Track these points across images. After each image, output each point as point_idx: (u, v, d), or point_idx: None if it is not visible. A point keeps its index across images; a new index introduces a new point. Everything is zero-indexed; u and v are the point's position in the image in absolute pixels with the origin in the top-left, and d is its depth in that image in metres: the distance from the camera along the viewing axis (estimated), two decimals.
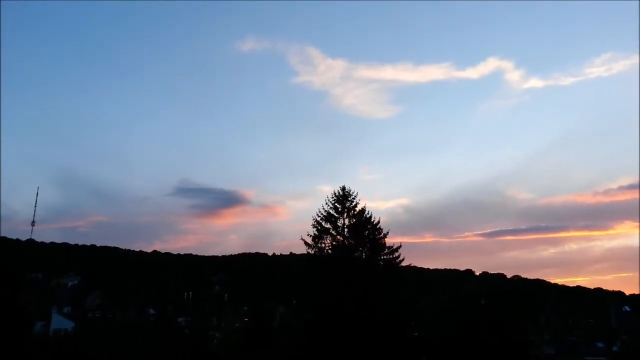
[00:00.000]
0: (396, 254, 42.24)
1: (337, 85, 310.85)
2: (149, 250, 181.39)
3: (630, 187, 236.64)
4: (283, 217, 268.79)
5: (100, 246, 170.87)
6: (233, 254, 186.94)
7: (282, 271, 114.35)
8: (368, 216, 42.55)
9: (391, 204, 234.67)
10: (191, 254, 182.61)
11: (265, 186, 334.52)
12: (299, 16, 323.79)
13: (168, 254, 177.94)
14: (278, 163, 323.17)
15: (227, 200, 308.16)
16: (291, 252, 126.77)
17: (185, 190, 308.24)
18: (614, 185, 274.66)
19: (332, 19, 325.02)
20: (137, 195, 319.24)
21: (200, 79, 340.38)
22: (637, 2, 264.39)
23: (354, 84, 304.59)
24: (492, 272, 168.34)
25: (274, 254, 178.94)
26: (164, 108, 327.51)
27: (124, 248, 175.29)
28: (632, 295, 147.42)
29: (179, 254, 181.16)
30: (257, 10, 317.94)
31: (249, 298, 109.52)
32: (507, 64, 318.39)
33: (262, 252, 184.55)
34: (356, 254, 42.42)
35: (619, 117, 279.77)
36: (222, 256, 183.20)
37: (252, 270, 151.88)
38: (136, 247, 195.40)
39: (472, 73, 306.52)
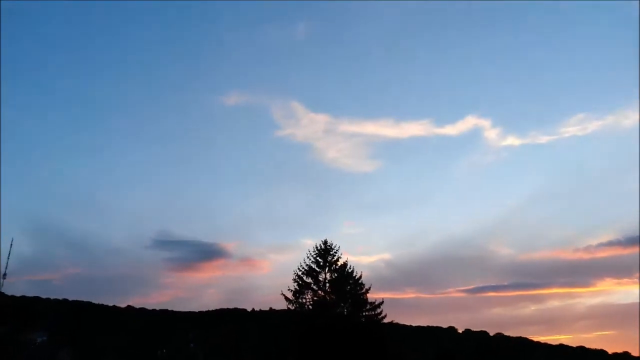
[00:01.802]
0: (378, 310, 41.42)
1: (320, 138, 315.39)
2: (123, 305, 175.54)
3: (610, 244, 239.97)
4: (264, 271, 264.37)
5: (72, 300, 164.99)
6: (210, 309, 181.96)
7: (261, 327, 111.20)
8: (350, 271, 41.96)
9: (373, 258, 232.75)
10: (167, 310, 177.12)
11: (247, 239, 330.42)
12: (282, 71, 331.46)
13: (143, 309, 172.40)
14: (261, 215, 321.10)
15: (207, 253, 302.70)
16: (271, 308, 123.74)
17: (164, 243, 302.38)
18: (594, 242, 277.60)
19: (315, 75, 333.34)
20: (114, 247, 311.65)
21: (181, 129, 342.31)
22: (612, 61, 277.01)
23: (336, 137, 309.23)
24: (474, 330, 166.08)
25: (252, 309, 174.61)
26: (144, 158, 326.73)
27: (97, 302, 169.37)
28: (615, 354, 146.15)
29: (154, 309, 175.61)
30: (240, 64, 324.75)
31: (225, 355, 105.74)
32: (484, 122, 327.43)
33: (241, 307, 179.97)
34: (338, 310, 41.48)
35: (594, 174, 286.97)
36: (199, 312, 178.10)
37: (229, 326, 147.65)
38: (110, 302, 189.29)
39: (451, 130, 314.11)
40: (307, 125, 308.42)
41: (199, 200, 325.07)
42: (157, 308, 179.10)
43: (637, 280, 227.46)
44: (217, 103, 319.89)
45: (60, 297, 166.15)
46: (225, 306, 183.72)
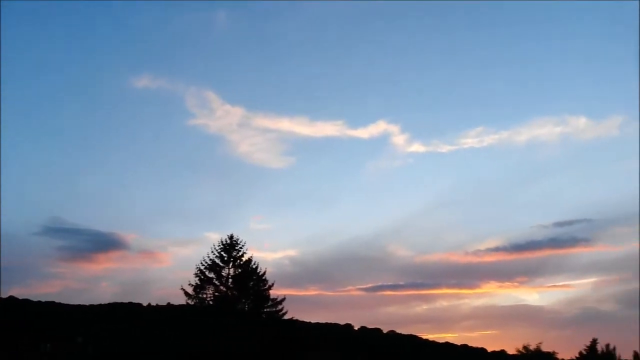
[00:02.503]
0: (280, 307, 42.03)
1: (234, 131, 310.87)
2: (5, 295, 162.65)
3: (497, 249, 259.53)
4: (164, 264, 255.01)
5: None
6: (102, 302, 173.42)
7: (156, 322, 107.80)
8: (254, 267, 42.25)
9: (279, 254, 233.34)
10: (54, 302, 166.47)
11: (149, 230, 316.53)
12: (199, 58, 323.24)
13: (27, 301, 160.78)
14: (165, 206, 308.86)
15: (103, 243, 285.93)
16: (169, 303, 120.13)
17: (55, 230, 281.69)
18: (482, 247, 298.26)
19: (232, 65, 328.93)
20: None
21: (82, 108, 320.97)
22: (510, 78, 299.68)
23: (251, 131, 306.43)
24: (369, 327, 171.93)
25: (149, 304, 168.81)
26: (37, 137, 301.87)
27: None
28: (493, 352, 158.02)
29: (39, 301, 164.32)
30: (155, 47, 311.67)
31: (116, 351, 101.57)
32: (394, 128, 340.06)
33: (137, 301, 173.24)
34: (239, 306, 41.54)
35: (487, 184, 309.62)
36: (90, 305, 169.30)
37: (122, 321, 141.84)
38: None
39: (363, 133, 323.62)
40: (222, 116, 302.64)
41: (98, 187, 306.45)
42: (44, 300, 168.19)
43: (517, 284, 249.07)
44: (125, 84, 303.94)
45: None
46: (119, 300, 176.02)
